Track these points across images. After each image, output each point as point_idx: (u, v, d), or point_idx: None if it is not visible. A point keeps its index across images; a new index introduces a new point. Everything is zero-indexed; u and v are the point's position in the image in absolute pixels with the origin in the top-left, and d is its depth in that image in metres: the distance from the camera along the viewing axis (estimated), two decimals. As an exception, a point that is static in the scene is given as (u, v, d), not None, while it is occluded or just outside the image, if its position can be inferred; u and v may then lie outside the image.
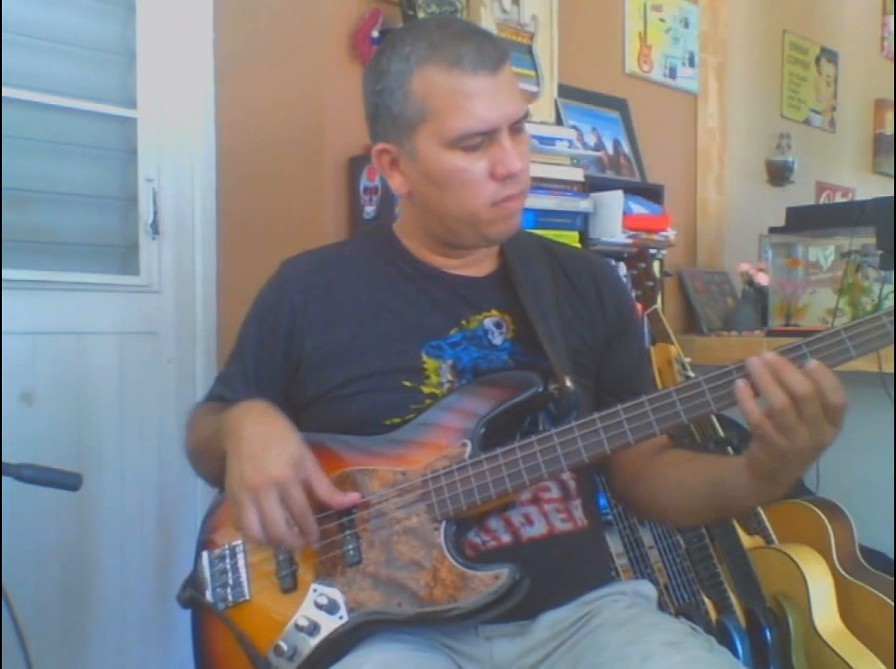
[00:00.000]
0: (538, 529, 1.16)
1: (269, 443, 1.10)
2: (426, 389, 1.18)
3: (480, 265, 1.26)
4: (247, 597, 1.16)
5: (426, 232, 1.25)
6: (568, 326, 1.24)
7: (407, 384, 1.18)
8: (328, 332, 1.22)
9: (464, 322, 1.22)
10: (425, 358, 1.19)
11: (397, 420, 1.16)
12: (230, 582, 1.17)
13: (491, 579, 1.05)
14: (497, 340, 1.22)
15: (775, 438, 0.98)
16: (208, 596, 1.18)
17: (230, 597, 1.17)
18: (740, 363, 1.01)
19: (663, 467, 1.22)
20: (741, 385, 0.98)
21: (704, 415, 1.04)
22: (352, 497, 1.11)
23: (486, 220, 1.17)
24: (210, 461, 1.21)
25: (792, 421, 0.97)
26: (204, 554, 1.21)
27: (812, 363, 0.97)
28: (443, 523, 1.09)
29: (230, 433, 1.14)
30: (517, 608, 1.06)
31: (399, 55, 1.14)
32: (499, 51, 1.14)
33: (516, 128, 1.15)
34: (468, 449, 1.11)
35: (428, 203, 1.19)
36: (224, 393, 1.30)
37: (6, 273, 1.92)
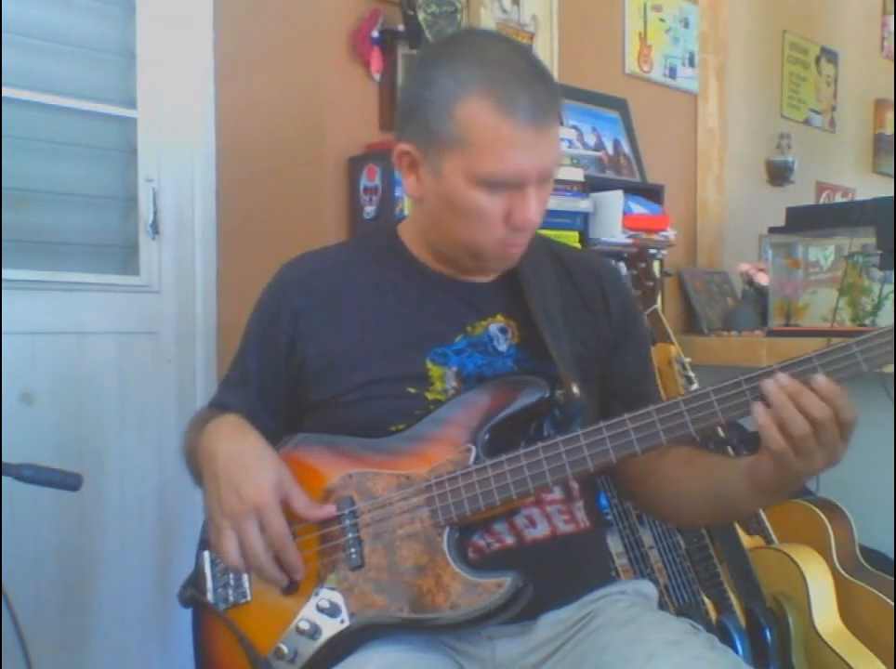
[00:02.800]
0: (541, 530, 1.16)
1: (244, 465, 1.10)
2: (430, 396, 1.17)
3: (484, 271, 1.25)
4: (248, 599, 1.15)
5: (428, 238, 1.24)
6: (573, 331, 1.23)
7: (411, 391, 1.17)
8: (331, 338, 1.21)
9: (469, 329, 1.21)
10: (429, 365, 1.18)
11: (401, 426, 1.15)
12: (232, 582, 1.17)
13: (494, 586, 1.05)
14: (502, 346, 1.21)
15: (794, 462, 0.99)
16: (209, 596, 1.18)
17: (231, 598, 1.16)
18: (749, 375, 1.00)
19: (669, 467, 1.21)
20: (762, 412, 0.98)
21: (711, 426, 1.04)
22: (328, 510, 1.12)
23: (489, 255, 1.17)
24: (195, 473, 1.22)
25: (812, 446, 0.98)
26: (206, 554, 1.21)
27: (822, 382, 0.96)
28: (447, 529, 1.09)
29: (205, 452, 1.15)
30: (519, 610, 1.06)
31: (452, 72, 1.09)
32: (553, 103, 1.10)
33: (544, 180, 1.13)
34: (473, 454, 1.10)
35: (436, 219, 1.18)
36: (226, 399, 1.30)
37: (6, 273, 1.92)
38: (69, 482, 1.41)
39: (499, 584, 1.05)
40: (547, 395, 1.11)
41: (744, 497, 1.09)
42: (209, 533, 1.15)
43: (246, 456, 1.12)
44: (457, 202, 1.12)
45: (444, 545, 1.08)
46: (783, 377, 0.98)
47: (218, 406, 1.30)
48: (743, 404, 1.01)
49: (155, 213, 2.19)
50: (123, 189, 2.19)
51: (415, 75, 1.17)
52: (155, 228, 2.19)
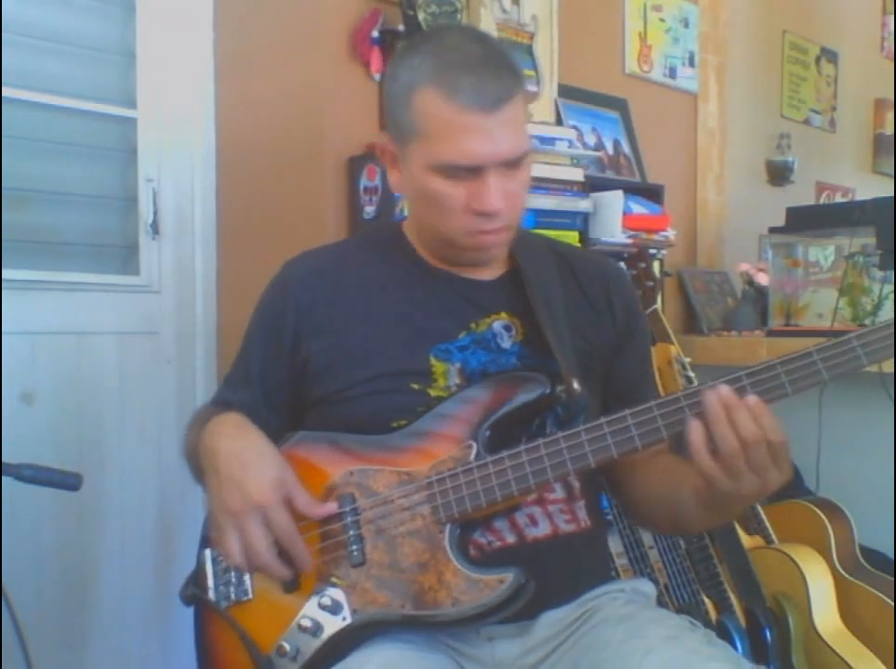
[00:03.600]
0: (542, 529, 1.16)
1: (245, 463, 1.10)
2: (433, 392, 1.17)
3: (490, 268, 1.25)
4: (250, 596, 1.15)
5: (418, 233, 1.26)
6: (577, 330, 1.23)
7: (415, 387, 1.17)
8: (335, 334, 1.22)
9: (473, 326, 1.21)
10: (433, 361, 1.18)
11: (404, 422, 1.15)
12: (234, 580, 1.17)
13: (496, 583, 1.05)
14: (506, 343, 1.21)
15: (723, 481, 1.00)
16: (211, 594, 1.18)
17: (232, 596, 1.16)
18: (751, 369, 1.01)
19: (649, 471, 1.22)
20: (695, 429, 0.99)
21: None
22: (329, 507, 1.12)
23: (462, 245, 1.18)
24: (197, 471, 1.22)
25: (741, 467, 0.99)
26: (207, 551, 1.21)
27: (753, 400, 0.98)
28: (448, 526, 1.09)
29: (207, 451, 1.15)
30: (519, 609, 1.06)
31: (409, 65, 1.13)
32: (503, 89, 1.10)
33: (510, 165, 1.13)
34: (474, 450, 1.10)
35: (414, 210, 1.23)
36: (228, 396, 1.30)
37: (6, 273, 1.92)
38: (69, 482, 1.41)
39: (501, 580, 1.05)
40: (548, 391, 1.11)
41: (693, 514, 1.12)
42: (211, 531, 1.15)
43: (248, 454, 1.12)
44: (423, 191, 1.15)
45: (446, 542, 1.08)
46: (723, 389, 0.99)
47: (220, 404, 1.30)
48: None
49: (155, 213, 2.19)
50: (123, 189, 2.19)
51: (387, 74, 1.20)
52: (155, 228, 2.19)
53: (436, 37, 1.18)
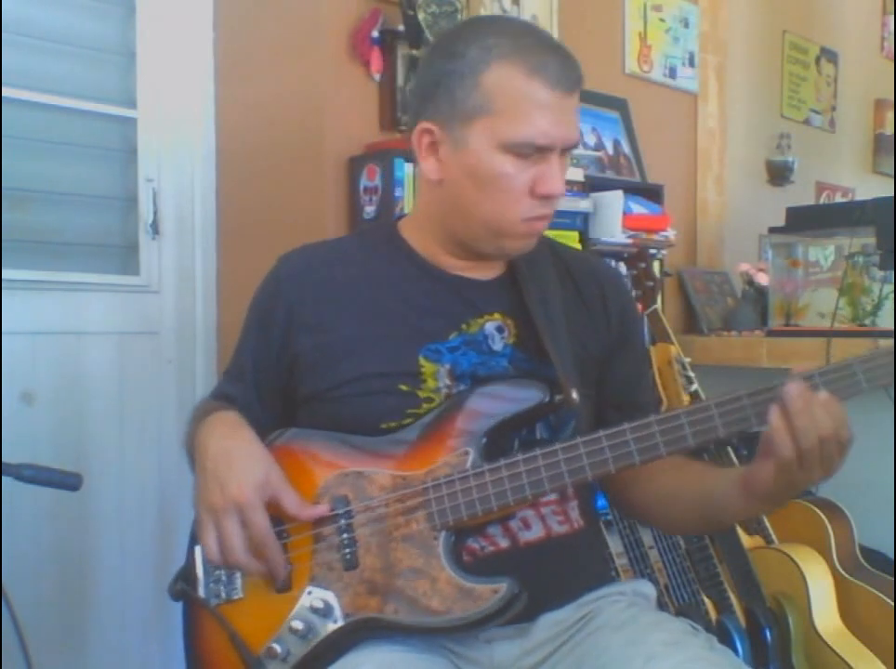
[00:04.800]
0: (536, 533, 1.15)
1: (232, 462, 1.10)
2: (422, 394, 1.16)
3: (487, 268, 1.23)
4: (241, 595, 1.14)
5: (441, 227, 1.21)
6: (574, 333, 1.22)
7: (403, 388, 1.16)
8: (325, 331, 1.20)
9: (464, 326, 1.20)
10: (422, 361, 1.17)
11: (393, 424, 1.15)
12: (224, 578, 1.15)
13: (489, 592, 1.04)
14: (497, 345, 1.20)
15: (796, 472, 0.99)
16: (201, 591, 1.17)
17: (223, 594, 1.15)
18: (752, 390, 1.01)
19: (655, 475, 1.20)
20: (777, 416, 0.98)
21: (711, 440, 1.04)
22: (321, 509, 1.11)
23: (511, 233, 1.16)
24: (192, 465, 1.22)
25: (815, 459, 0.98)
26: (198, 548, 1.19)
27: (826, 397, 0.98)
28: (443, 533, 1.08)
29: (198, 446, 1.15)
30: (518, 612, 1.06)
31: (480, 44, 1.10)
32: (578, 73, 1.12)
33: (565, 151, 1.14)
34: (470, 457, 1.09)
35: (459, 196, 1.15)
36: (226, 390, 1.30)
37: (6, 273, 1.92)
38: (69, 482, 1.40)
39: (495, 591, 1.04)
40: (547, 400, 1.10)
41: (734, 504, 1.09)
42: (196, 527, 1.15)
43: (236, 453, 1.11)
44: (483, 171, 1.11)
45: (440, 549, 1.07)
46: (801, 384, 0.98)
47: (220, 396, 1.30)
48: (744, 419, 1.01)
49: (155, 213, 2.19)
50: (123, 189, 2.19)
51: (437, 52, 1.17)
52: (155, 228, 2.19)
53: (496, 21, 1.17)
